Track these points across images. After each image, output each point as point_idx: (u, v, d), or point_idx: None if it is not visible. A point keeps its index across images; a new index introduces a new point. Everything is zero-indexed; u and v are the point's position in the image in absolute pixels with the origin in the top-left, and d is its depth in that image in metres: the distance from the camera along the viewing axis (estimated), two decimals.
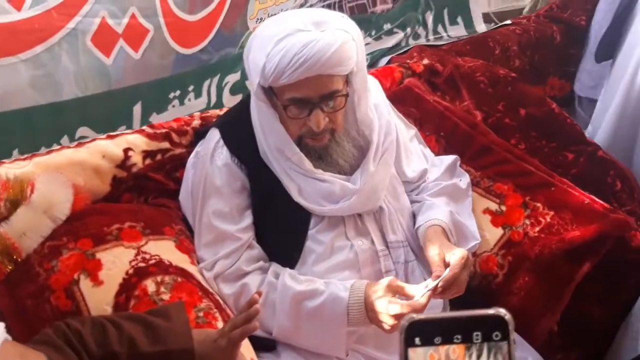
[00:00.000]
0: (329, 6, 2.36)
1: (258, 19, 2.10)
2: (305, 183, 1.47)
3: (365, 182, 1.48)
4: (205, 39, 1.95)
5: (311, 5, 2.28)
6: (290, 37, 1.32)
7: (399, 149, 1.61)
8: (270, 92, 1.41)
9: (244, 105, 1.54)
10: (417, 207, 1.60)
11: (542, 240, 1.60)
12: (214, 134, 1.54)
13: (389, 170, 1.56)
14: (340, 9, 2.41)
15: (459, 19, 2.73)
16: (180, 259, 1.45)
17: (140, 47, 1.78)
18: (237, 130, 1.52)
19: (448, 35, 2.70)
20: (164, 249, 1.44)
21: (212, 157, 1.50)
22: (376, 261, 1.49)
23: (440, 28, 2.69)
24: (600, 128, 2.17)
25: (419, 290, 1.31)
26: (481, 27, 2.79)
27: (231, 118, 1.60)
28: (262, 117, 1.46)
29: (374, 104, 1.54)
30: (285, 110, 1.39)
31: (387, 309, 1.32)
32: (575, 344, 1.65)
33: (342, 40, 1.35)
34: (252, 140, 1.49)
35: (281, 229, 1.49)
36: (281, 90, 1.38)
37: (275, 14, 2.13)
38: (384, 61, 2.44)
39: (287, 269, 1.45)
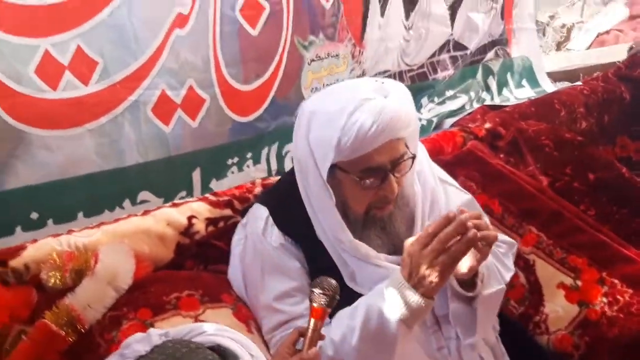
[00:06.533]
0: (389, 77, 2.38)
1: (313, 88, 2.12)
2: (359, 268, 1.41)
3: None
4: (260, 108, 2.00)
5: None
6: (362, 108, 1.30)
7: None
8: (334, 171, 1.37)
9: (291, 181, 1.47)
10: None
11: (621, 322, 1.54)
12: (261, 212, 1.48)
13: None
14: (401, 79, 2.44)
15: (524, 82, 2.73)
16: (237, 327, 1.39)
17: (197, 115, 1.84)
18: (288, 209, 1.46)
19: (515, 98, 2.69)
20: (221, 317, 1.42)
21: (264, 237, 1.45)
22: (426, 339, 1.43)
23: (506, 92, 2.70)
24: None
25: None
26: (549, 87, 2.78)
27: (279, 195, 1.53)
28: (317, 203, 1.41)
29: (417, 171, 1.48)
30: (361, 182, 1.35)
31: None
32: None
33: (405, 102, 1.36)
34: (305, 219, 1.43)
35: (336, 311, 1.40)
36: (352, 164, 1.34)
37: (330, 84, 2.16)
38: (449, 122, 2.45)
39: None
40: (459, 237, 1.24)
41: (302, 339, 1.21)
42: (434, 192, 1.51)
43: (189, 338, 0.86)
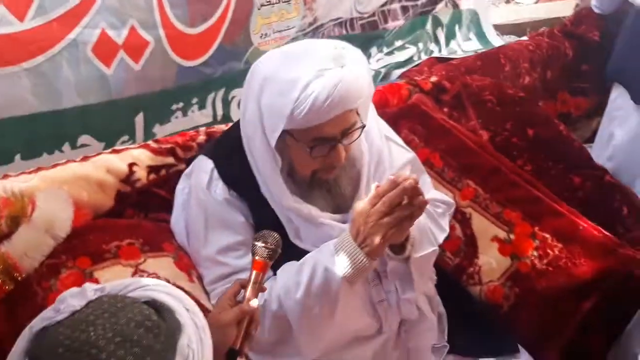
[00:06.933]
0: (340, 24, 2.36)
1: (262, 34, 2.09)
2: (304, 226, 1.43)
3: None
4: (206, 53, 1.97)
5: (322, 25, 2.28)
6: (318, 80, 1.27)
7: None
8: (283, 135, 1.34)
9: (238, 134, 1.45)
10: None
11: (549, 275, 1.60)
12: (205, 164, 1.46)
13: None
14: (352, 27, 2.42)
15: (471, 35, 2.75)
16: (177, 277, 1.43)
17: (140, 58, 1.80)
18: (233, 163, 1.44)
19: (462, 50, 2.71)
20: (162, 267, 1.43)
21: (208, 191, 1.44)
22: (367, 292, 1.46)
23: (453, 44, 2.72)
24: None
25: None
26: (496, 41, 2.80)
27: (225, 149, 1.50)
28: (262, 165, 1.40)
29: (365, 130, 1.45)
30: (310, 150, 1.34)
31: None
32: None
33: (361, 72, 1.33)
34: (250, 174, 1.43)
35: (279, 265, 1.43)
36: (303, 133, 1.32)
37: (280, 30, 2.13)
38: (396, 74, 2.46)
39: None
40: (405, 202, 1.27)
41: (243, 290, 1.22)
42: (380, 151, 1.51)
43: (124, 293, 0.86)
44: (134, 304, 0.82)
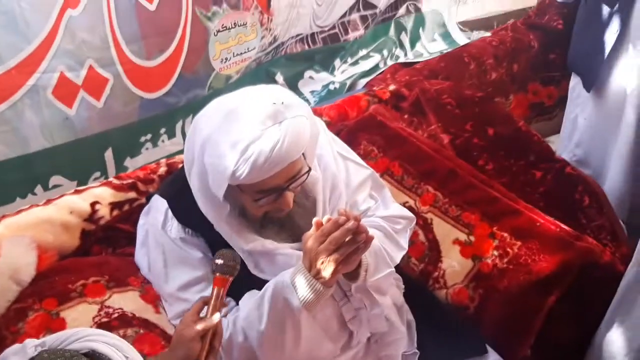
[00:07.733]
0: (301, 40, 2.39)
1: (222, 59, 2.13)
2: (262, 258, 1.44)
3: None
4: (168, 83, 2.00)
5: (282, 43, 2.31)
6: (256, 143, 1.26)
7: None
8: (230, 187, 1.34)
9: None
10: None
11: (510, 273, 1.62)
12: (159, 205, 1.48)
13: None
14: (313, 41, 2.45)
15: (436, 35, 2.77)
16: (143, 309, 1.46)
17: (101, 96, 1.83)
18: (187, 202, 1.42)
19: (428, 52, 2.73)
20: (127, 301, 1.46)
21: (164, 231, 1.45)
22: (337, 312, 1.49)
23: (419, 46, 2.73)
24: (609, 171, 2.13)
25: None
26: (461, 39, 2.82)
27: (179, 187, 1.47)
28: (208, 213, 1.41)
29: (317, 155, 1.47)
30: (257, 202, 1.36)
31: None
32: None
33: (301, 126, 1.32)
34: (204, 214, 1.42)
35: (241, 294, 1.45)
36: (248, 187, 1.33)
37: (241, 53, 2.17)
38: (361, 84, 2.49)
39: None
40: (350, 237, 1.30)
41: (206, 307, 1.26)
42: (335, 175, 1.51)
43: (65, 345, 0.88)
44: (73, 357, 0.85)
